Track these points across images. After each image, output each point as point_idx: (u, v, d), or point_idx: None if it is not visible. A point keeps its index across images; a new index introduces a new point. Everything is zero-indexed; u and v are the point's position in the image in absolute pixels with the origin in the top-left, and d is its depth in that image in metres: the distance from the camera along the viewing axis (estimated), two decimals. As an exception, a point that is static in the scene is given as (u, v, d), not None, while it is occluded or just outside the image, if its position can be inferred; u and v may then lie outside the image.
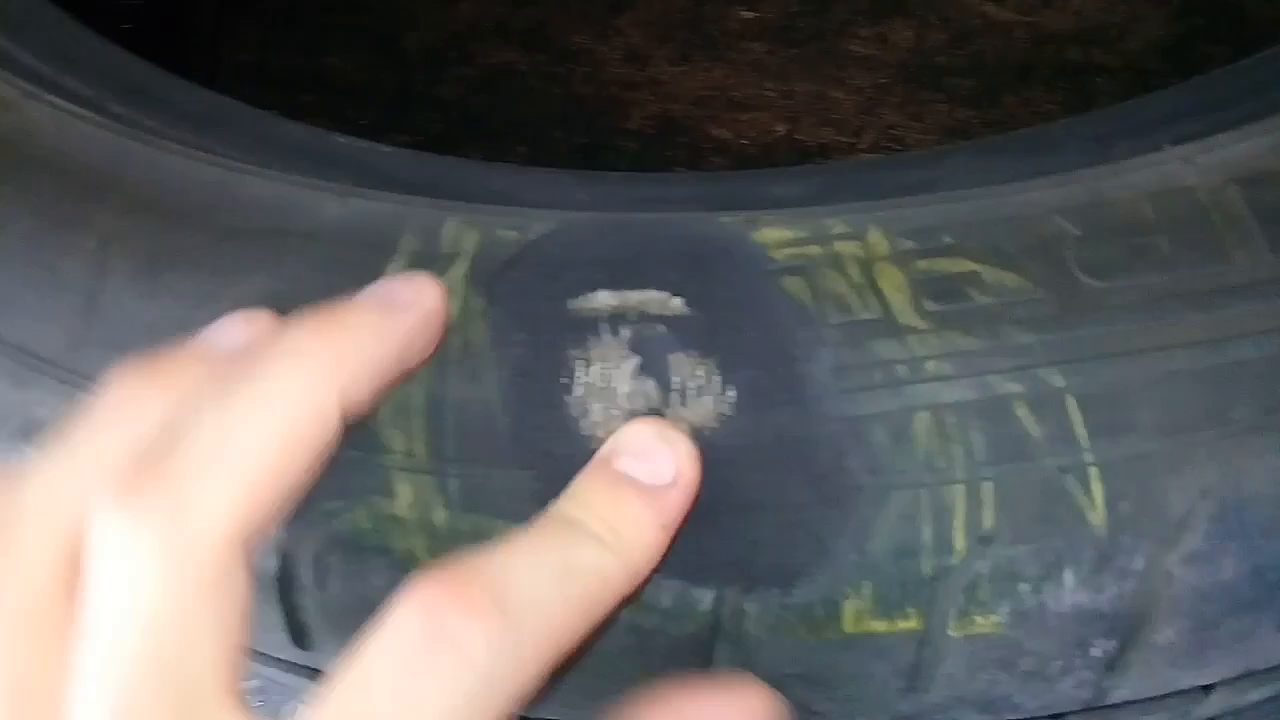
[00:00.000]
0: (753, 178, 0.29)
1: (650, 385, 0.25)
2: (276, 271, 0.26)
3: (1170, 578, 0.24)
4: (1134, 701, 0.29)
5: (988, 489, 0.24)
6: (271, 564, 0.26)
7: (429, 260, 0.26)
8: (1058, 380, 0.24)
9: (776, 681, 0.26)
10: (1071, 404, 0.24)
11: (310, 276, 0.26)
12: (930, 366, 0.24)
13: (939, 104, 0.78)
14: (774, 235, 0.26)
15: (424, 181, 0.29)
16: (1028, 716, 0.29)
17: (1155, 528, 0.24)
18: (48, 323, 0.27)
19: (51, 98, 0.30)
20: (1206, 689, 0.30)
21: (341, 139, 0.31)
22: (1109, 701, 0.28)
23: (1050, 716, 0.29)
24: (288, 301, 0.26)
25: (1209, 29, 0.79)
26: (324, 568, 0.26)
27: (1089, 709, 0.29)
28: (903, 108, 0.77)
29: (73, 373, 0.27)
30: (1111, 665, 0.26)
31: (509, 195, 0.28)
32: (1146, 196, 0.26)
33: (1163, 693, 0.29)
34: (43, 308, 0.27)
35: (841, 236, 0.26)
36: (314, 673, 0.31)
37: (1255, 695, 0.31)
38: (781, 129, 0.77)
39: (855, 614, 0.24)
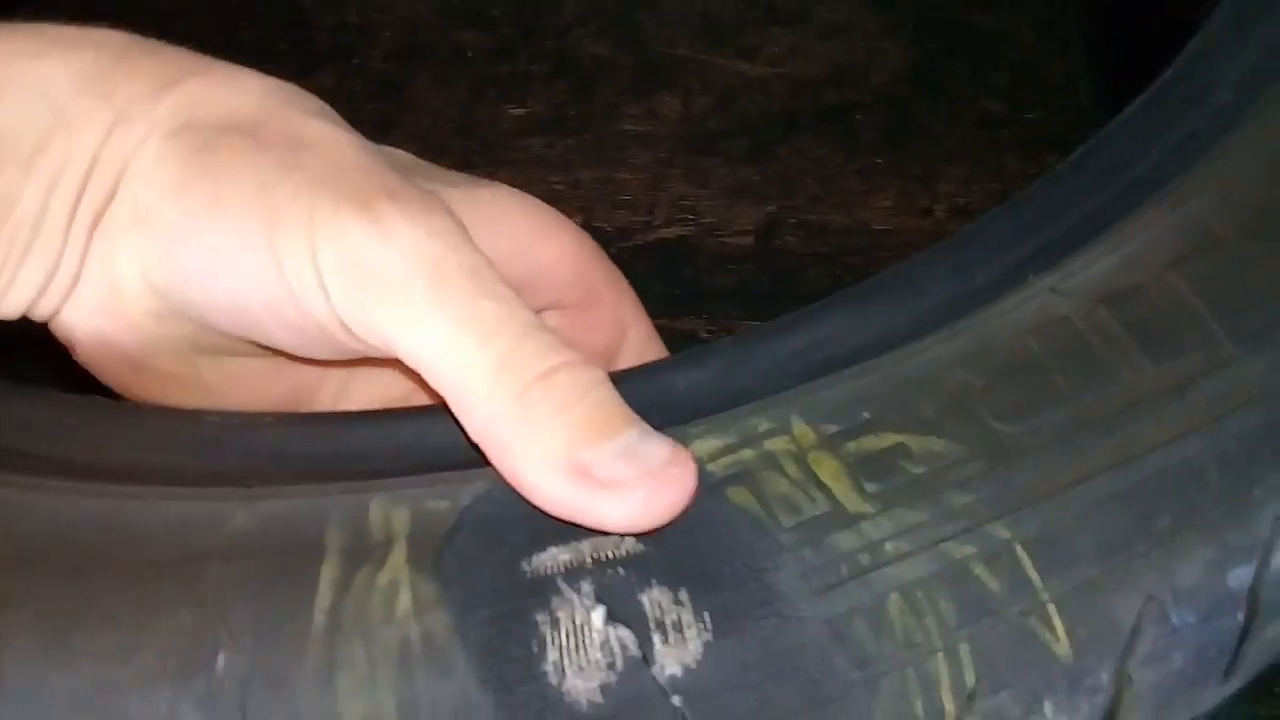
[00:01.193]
0: (654, 373, 0.29)
1: (624, 633, 0.24)
2: (200, 603, 0.24)
3: (1131, 680, 0.26)
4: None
5: (965, 650, 0.25)
6: None
7: (363, 552, 0.25)
8: (1003, 533, 0.25)
9: None
10: (1019, 551, 0.25)
11: (240, 599, 0.24)
12: (889, 548, 0.25)
13: (720, 168, 0.80)
14: (705, 448, 0.26)
15: (327, 454, 0.27)
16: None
17: (1112, 643, 0.26)
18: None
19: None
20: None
21: (212, 417, 0.29)
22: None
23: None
24: (220, 633, 0.24)
25: (946, 49, 0.85)
26: None
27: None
28: (687, 177, 0.79)
29: (-16, 764, 0.24)
30: (1089, 763, 0.28)
31: (416, 452, 0.27)
32: (1029, 333, 0.27)
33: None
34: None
35: (769, 434, 0.26)
36: None
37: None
38: (579, 219, 0.78)
39: (867, 799, 0.25)
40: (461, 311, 0.26)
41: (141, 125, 0.28)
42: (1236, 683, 0.30)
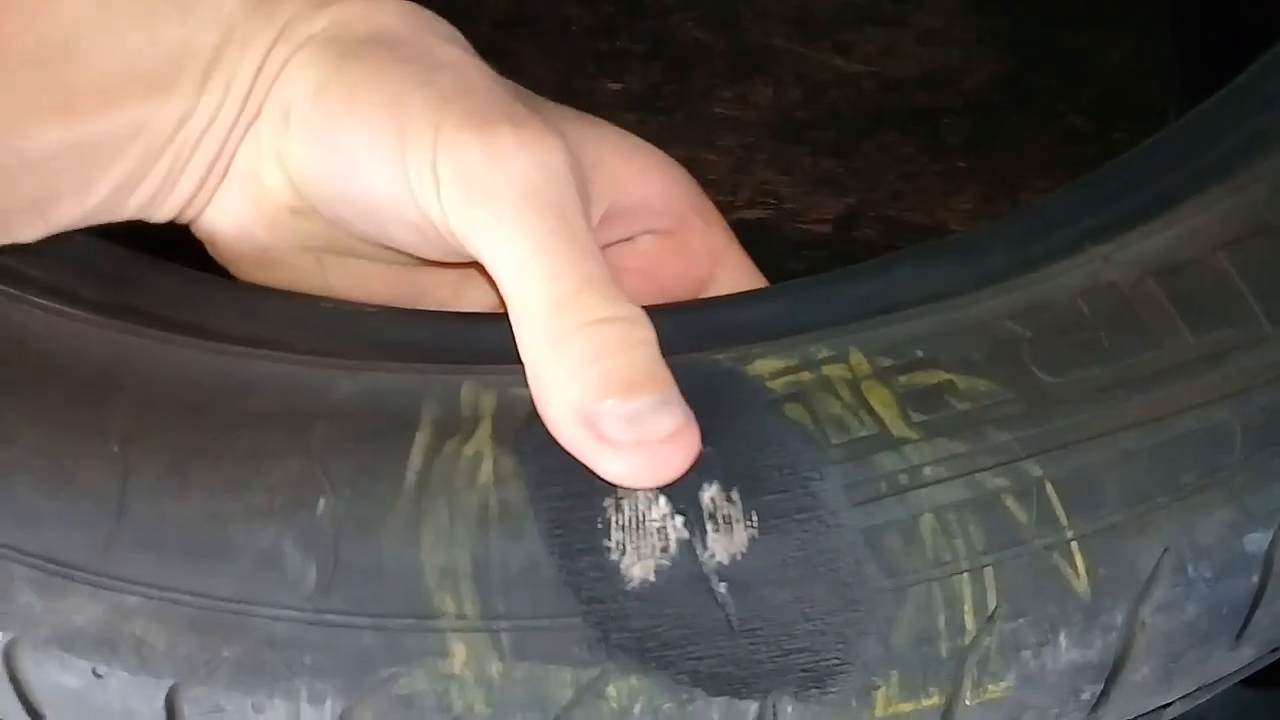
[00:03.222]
0: (726, 304, 0.32)
1: (680, 522, 0.27)
2: (305, 453, 0.27)
3: (1144, 626, 0.28)
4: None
5: (989, 574, 0.27)
6: (329, 731, 0.27)
7: (453, 426, 0.28)
8: (1036, 470, 0.27)
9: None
10: (1050, 490, 0.27)
11: (341, 453, 0.27)
12: (927, 472, 0.27)
13: (804, 156, 0.82)
14: (767, 366, 0.29)
15: (426, 344, 0.30)
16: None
17: (1129, 586, 0.28)
18: (75, 530, 0.27)
19: (29, 295, 0.31)
20: (1165, 706, 0.34)
21: (327, 303, 0.32)
22: (1089, 731, 0.32)
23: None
24: (322, 481, 0.27)
25: (1038, 63, 0.87)
26: (384, 730, 0.27)
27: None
28: (772, 163, 0.82)
29: (106, 576, 0.27)
30: (1096, 704, 0.30)
31: (506, 349, 0.30)
32: (1079, 294, 0.29)
33: (1134, 715, 0.32)
34: (69, 516, 0.27)
35: (827, 360, 0.29)
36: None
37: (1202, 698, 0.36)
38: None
39: (885, 700, 0.27)
40: (540, 244, 0.29)
41: (298, 40, 0.31)
42: (1248, 652, 0.31)
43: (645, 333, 0.28)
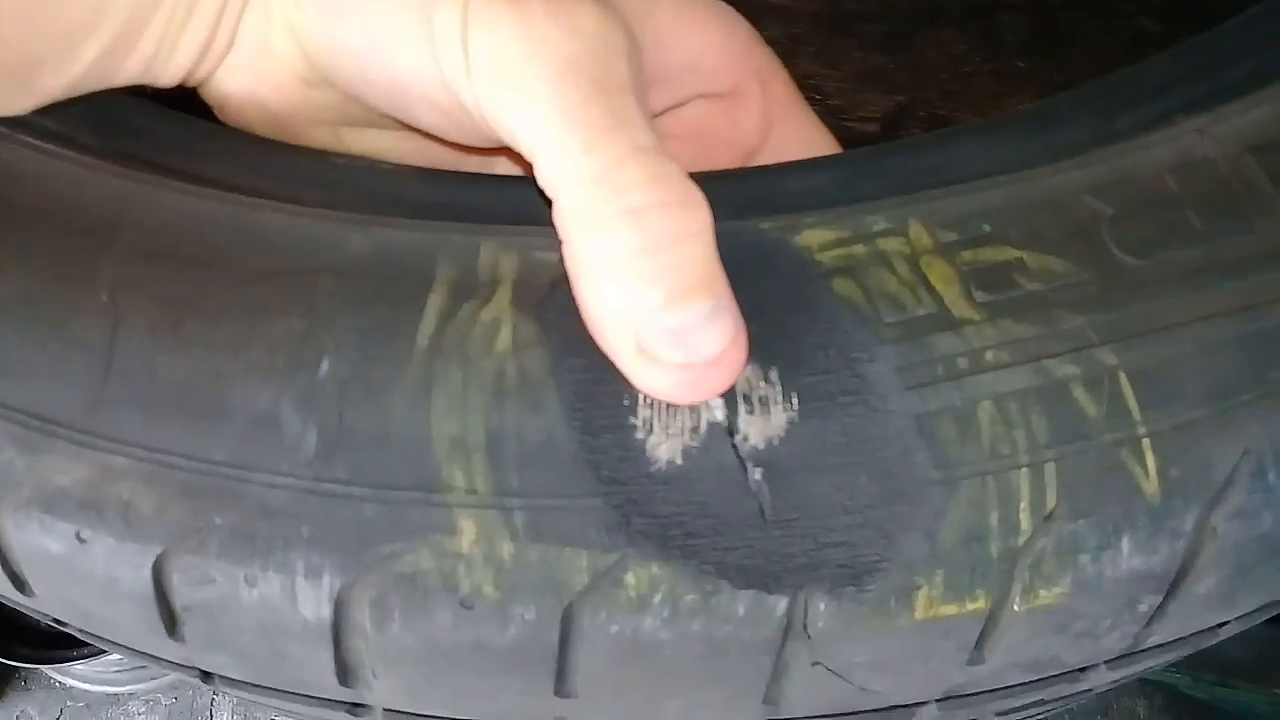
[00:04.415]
0: (777, 171, 0.29)
1: (715, 400, 0.25)
2: (310, 311, 0.25)
3: (1215, 533, 0.26)
4: (1162, 645, 0.30)
5: (1050, 470, 0.25)
6: (325, 611, 0.25)
7: (470, 288, 0.26)
8: (1110, 359, 0.25)
9: (843, 669, 0.27)
10: (1124, 380, 0.25)
11: (348, 312, 0.25)
12: (989, 356, 0.25)
13: (853, 50, 0.78)
14: (817, 238, 0.26)
15: (443, 203, 0.28)
16: (1066, 669, 0.30)
17: (1203, 490, 0.25)
18: (61, 384, 0.25)
19: (21, 135, 0.28)
20: (1221, 625, 0.31)
21: (338, 158, 0.30)
22: (1142, 648, 0.30)
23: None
24: (326, 340, 0.25)
25: (1104, -42, 0.81)
26: (384, 610, 0.25)
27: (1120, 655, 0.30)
28: (818, 56, 0.78)
29: (91, 435, 0.25)
30: (1151, 618, 0.28)
31: (529, 211, 0.27)
32: (1169, 170, 0.26)
33: (1189, 633, 0.30)
34: (54, 369, 0.25)
35: (884, 233, 0.26)
36: (358, 708, 0.31)
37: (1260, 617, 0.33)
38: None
39: (927, 602, 0.25)
40: (576, 114, 0.26)
41: None
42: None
43: (701, 220, 0.25)
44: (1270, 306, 0.25)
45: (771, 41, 0.87)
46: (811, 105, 0.79)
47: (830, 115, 0.76)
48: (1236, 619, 0.31)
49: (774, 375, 0.25)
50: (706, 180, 0.29)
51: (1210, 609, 0.28)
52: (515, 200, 0.28)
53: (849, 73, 0.76)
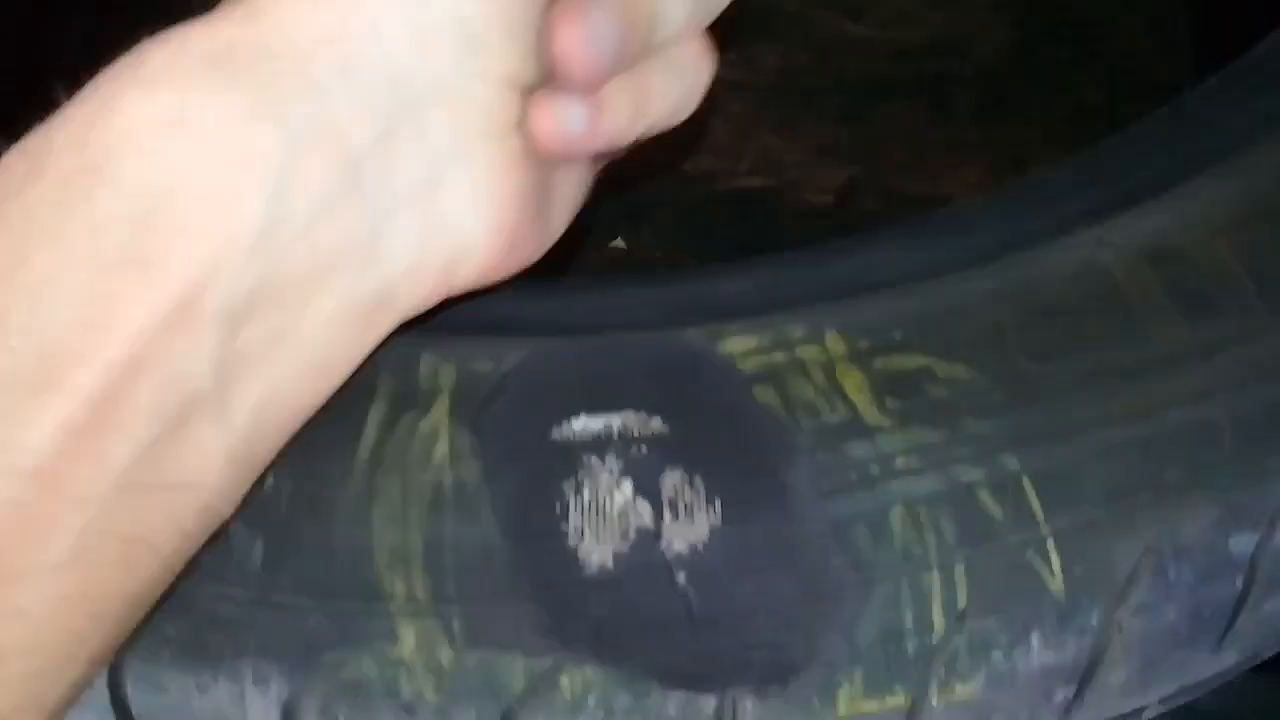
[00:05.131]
0: (702, 278, 0.31)
1: (643, 505, 0.26)
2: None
3: (1121, 628, 0.27)
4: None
5: (960, 570, 0.26)
6: (274, 717, 0.26)
7: (410, 399, 0.27)
8: (1013, 464, 0.26)
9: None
10: (1026, 484, 0.26)
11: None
12: (899, 462, 0.26)
13: (810, 123, 0.80)
14: (739, 345, 0.27)
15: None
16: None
17: (1107, 587, 0.26)
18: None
19: None
20: (1141, 709, 0.33)
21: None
22: (1062, 732, 0.31)
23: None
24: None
25: (1049, 33, 0.84)
26: (331, 716, 0.26)
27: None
28: (776, 130, 0.80)
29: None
30: (1069, 708, 0.29)
31: (471, 319, 0.29)
32: (1069, 278, 0.28)
33: (1110, 718, 0.31)
34: None
35: (802, 341, 0.27)
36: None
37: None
38: (662, 157, 0.78)
39: (849, 699, 0.26)
40: None
41: None
42: (1230, 657, 0.30)
43: None
44: (1164, 411, 0.27)
45: (731, 116, 0.89)
46: (769, 177, 0.80)
47: (788, 188, 0.78)
48: (1156, 703, 0.32)
49: (698, 482, 0.26)
50: (641, 284, 0.31)
51: (1126, 696, 0.30)
52: (454, 310, 0.29)
53: (805, 145, 0.79)
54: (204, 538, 0.24)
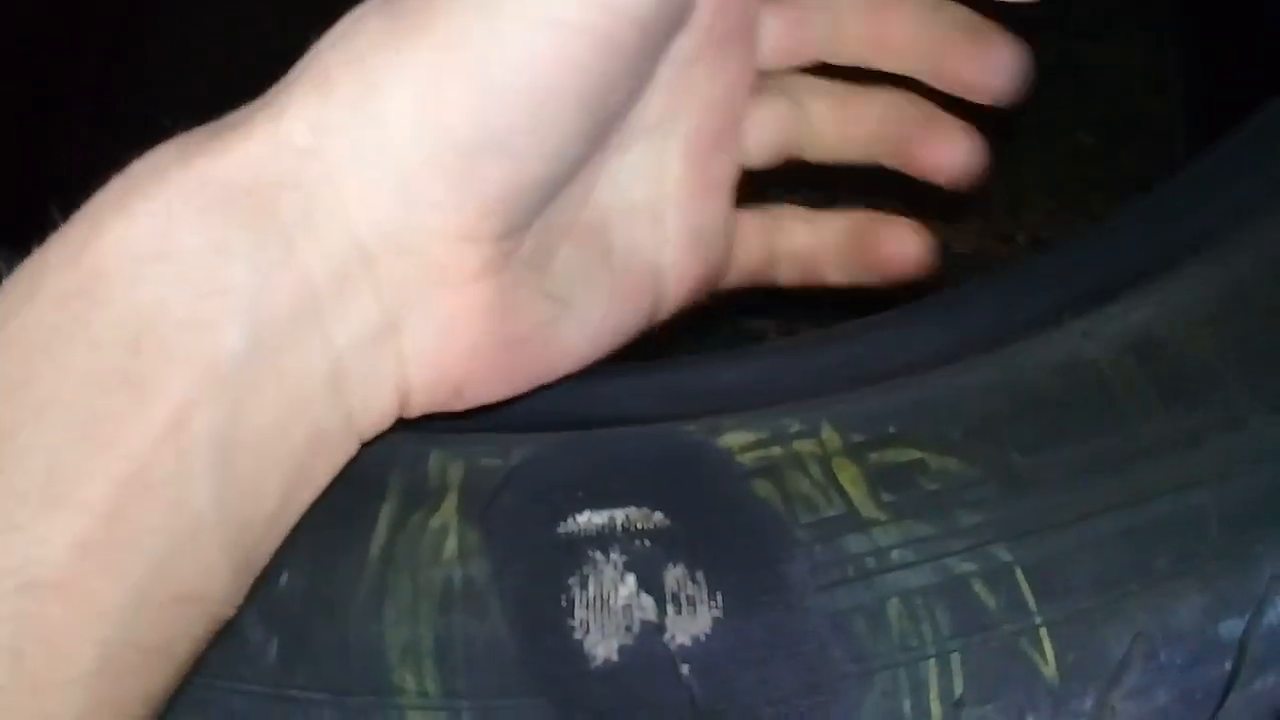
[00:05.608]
0: (702, 368, 0.31)
1: (646, 600, 0.27)
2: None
3: (1114, 711, 0.28)
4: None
5: (956, 659, 0.27)
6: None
7: (419, 496, 0.28)
8: (1005, 555, 0.27)
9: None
10: (1019, 575, 0.27)
11: (308, 524, 0.27)
12: (895, 555, 0.27)
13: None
14: (738, 440, 0.28)
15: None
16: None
17: (1099, 672, 0.27)
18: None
19: None
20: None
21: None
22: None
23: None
24: (287, 553, 0.27)
25: (1047, 77, 0.85)
26: (344, 806, 0.27)
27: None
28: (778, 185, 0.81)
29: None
30: (1065, 784, 0.29)
31: (478, 414, 0.29)
32: (1057, 371, 0.29)
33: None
34: None
35: (799, 435, 0.28)
36: None
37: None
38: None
39: (849, 784, 0.27)
40: None
41: None
42: (1223, 732, 0.31)
43: None
44: (1151, 501, 0.27)
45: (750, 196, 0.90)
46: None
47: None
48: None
49: (700, 576, 0.27)
50: (641, 375, 0.31)
51: (1119, 772, 0.30)
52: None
53: (805, 199, 0.79)
54: (211, 637, 0.25)
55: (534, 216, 0.28)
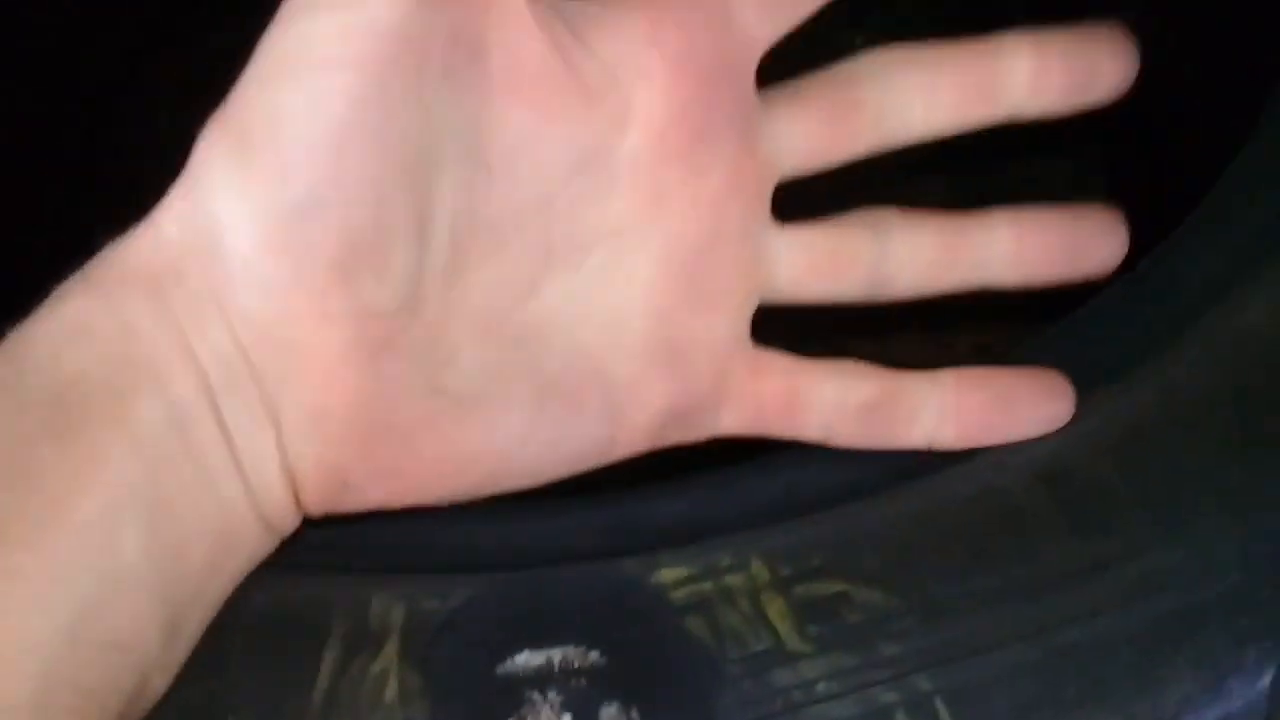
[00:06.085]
0: (640, 501, 0.33)
1: (584, 738, 0.28)
2: (223, 670, 0.28)
3: (1033, 834, 0.29)
4: None
5: (882, 788, 0.28)
6: None
7: (362, 641, 0.29)
8: (926, 684, 0.28)
9: None
10: (939, 704, 0.28)
11: (254, 671, 0.28)
12: (820, 688, 0.28)
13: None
14: (671, 575, 0.30)
15: (337, 545, 0.31)
16: None
17: (1020, 794, 0.28)
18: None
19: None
20: None
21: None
22: None
23: None
24: (234, 700, 0.28)
25: (980, 193, 0.89)
26: None
27: None
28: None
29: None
30: None
31: (419, 555, 0.30)
32: (973, 501, 0.30)
33: None
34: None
35: (729, 569, 0.30)
36: None
37: None
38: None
39: None
40: None
41: None
42: None
43: None
44: (1060, 629, 0.29)
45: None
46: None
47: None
48: None
49: (634, 713, 0.28)
50: (573, 509, 0.33)
51: None
52: (408, 546, 0.31)
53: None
54: (140, 712, 0.27)
55: (392, 290, 0.28)
